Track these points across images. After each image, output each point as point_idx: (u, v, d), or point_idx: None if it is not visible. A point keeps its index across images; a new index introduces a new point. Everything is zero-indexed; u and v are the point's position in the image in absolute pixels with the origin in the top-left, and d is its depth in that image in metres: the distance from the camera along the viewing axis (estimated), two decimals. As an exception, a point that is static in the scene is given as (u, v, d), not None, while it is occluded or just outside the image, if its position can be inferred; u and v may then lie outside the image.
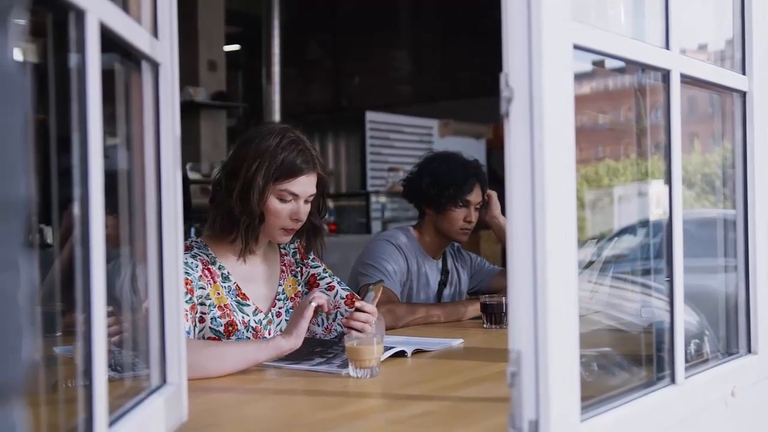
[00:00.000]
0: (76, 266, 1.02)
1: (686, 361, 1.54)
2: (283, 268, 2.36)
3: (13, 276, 0.57)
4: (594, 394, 1.34)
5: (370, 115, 8.27)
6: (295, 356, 2.02)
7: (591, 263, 2.18)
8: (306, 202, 2.21)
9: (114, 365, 1.31)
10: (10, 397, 0.57)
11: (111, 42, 1.11)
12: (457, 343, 2.34)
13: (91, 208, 0.99)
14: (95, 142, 1.00)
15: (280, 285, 2.33)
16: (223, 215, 2.18)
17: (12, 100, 0.57)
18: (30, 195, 0.61)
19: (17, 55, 0.59)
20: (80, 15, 0.97)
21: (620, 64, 1.56)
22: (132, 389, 1.34)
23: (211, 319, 2.14)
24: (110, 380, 1.07)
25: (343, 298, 2.34)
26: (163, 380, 1.36)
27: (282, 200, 2.17)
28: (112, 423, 1.09)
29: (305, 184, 2.19)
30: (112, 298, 1.17)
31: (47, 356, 1.51)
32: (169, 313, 1.36)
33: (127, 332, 1.43)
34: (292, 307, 2.32)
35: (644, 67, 1.55)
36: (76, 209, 0.99)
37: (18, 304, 0.58)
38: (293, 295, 2.35)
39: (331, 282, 2.39)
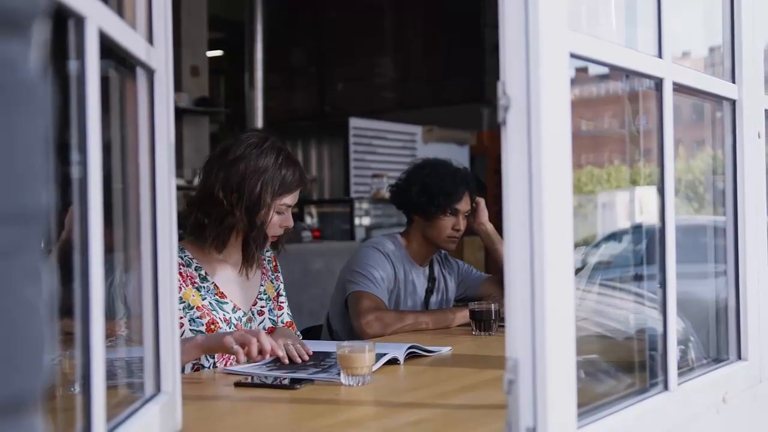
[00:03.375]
0: (67, 273, 1.01)
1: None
2: (264, 270, 2.44)
3: (35, 284, 0.57)
4: (589, 401, 1.34)
5: (354, 122, 8.26)
6: (290, 367, 2.02)
7: (578, 270, 2.20)
8: (292, 209, 2.35)
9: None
10: (32, 407, 0.57)
11: (106, 48, 1.10)
12: (446, 350, 2.33)
13: (89, 215, 0.98)
14: (94, 149, 0.99)
15: (261, 285, 2.41)
16: (227, 230, 2.24)
17: (35, 109, 0.57)
18: (50, 205, 0.61)
19: (39, 63, 0.59)
20: (80, 22, 0.97)
21: (603, 70, 1.57)
22: (126, 398, 1.33)
23: (191, 320, 2.18)
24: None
25: (283, 323, 2.42)
26: (158, 389, 1.35)
27: (279, 213, 2.28)
28: (108, 432, 1.08)
29: (297, 195, 2.33)
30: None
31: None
32: (163, 321, 1.35)
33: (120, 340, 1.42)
34: (272, 308, 2.41)
35: (638, 76, 1.56)
36: (75, 216, 0.98)
37: (40, 313, 0.57)
38: (274, 297, 2.45)
39: (284, 302, 2.50)
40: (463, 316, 2.81)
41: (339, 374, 1.87)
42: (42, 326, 0.58)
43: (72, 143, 1.00)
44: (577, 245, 2.22)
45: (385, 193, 6.99)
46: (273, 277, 2.47)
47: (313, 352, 2.20)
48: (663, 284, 1.53)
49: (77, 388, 1.06)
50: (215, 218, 2.22)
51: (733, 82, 1.82)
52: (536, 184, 1.15)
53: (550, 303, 1.15)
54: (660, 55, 1.51)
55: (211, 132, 8.19)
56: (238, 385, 1.86)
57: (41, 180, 0.58)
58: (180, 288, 2.18)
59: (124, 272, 1.42)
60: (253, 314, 2.35)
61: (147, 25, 1.33)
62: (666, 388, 1.51)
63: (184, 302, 2.18)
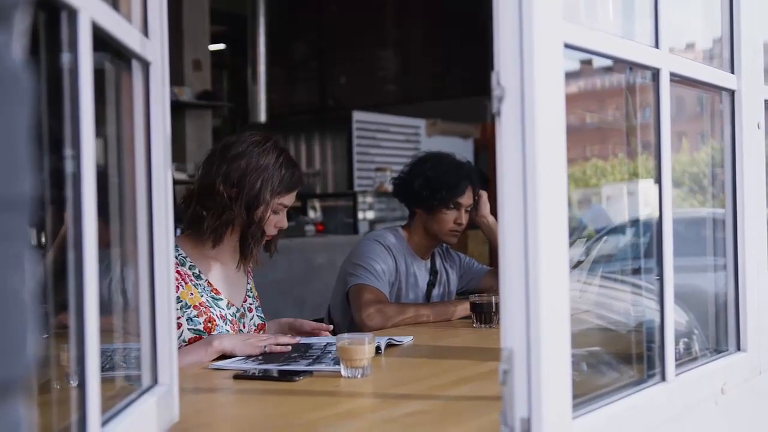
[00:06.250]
0: (65, 267, 1.01)
1: (675, 359, 1.55)
2: (249, 269, 2.47)
3: (18, 272, 0.58)
4: (585, 392, 1.34)
5: (357, 115, 8.26)
6: (279, 360, 2.01)
7: (579, 263, 2.19)
8: (288, 210, 2.37)
9: (104, 365, 1.30)
10: (15, 394, 0.57)
11: (101, 41, 1.10)
12: (408, 339, 2.36)
13: (83, 209, 0.99)
14: (88, 143, 0.99)
15: (248, 283, 2.45)
16: (225, 224, 2.26)
17: (17, 99, 0.57)
18: (34, 193, 0.61)
19: (21, 53, 0.59)
20: (73, 14, 0.97)
21: (607, 62, 1.57)
22: (123, 389, 1.33)
23: (188, 319, 2.20)
24: (101, 380, 1.06)
25: (255, 326, 2.43)
26: (155, 381, 1.35)
27: (274, 212, 2.30)
28: (104, 423, 1.08)
29: (294, 197, 2.35)
30: (101, 300, 1.16)
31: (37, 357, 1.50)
32: (160, 314, 1.36)
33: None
34: (258, 306, 2.45)
35: (634, 66, 1.56)
36: (69, 211, 0.99)
37: (23, 301, 0.58)
38: (257, 295, 2.49)
39: (258, 304, 2.49)
40: (463, 308, 2.81)
41: (334, 364, 1.87)
42: (26, 314, 0.58)
43: (66, 137, 1.00)
44: (581, 238, 2.22)
45: (389, 187, 7.00)
46: (252, 277, 2.52)
47: (297, 343, 2.21)
48: (660, 275, 1.53)
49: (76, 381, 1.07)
50: (214, 212, 2.24)
51: (732, 72, 1.82)
52: (530, 175, 1.15)
53: (544, 293, 1.15)
54: (657, 46, 1.51)
55: (214, 126, 8.19)
56: (236, 377, 1.87)
57: (24, 169, 0.59)
58: (178, 287, 2.19)
59: (123, 267, 1.43)
60: (244, 310, 2.38)
61: (142, 17, 1.33)
62: (663, 379, 1.51)
63: (182, 301, 2.19)
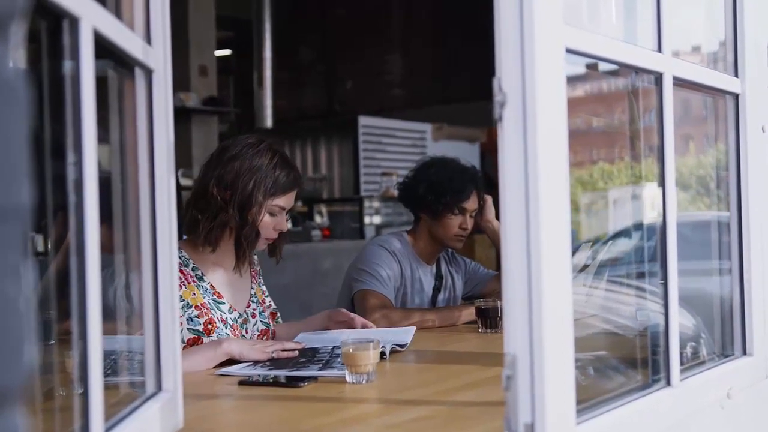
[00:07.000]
0: (71, 275, 1.01)
1: (682, 363, 1.54)
2: (253, 274, 2.48)
3: (15, 281, 0.58)
4: (590, 397, 1.34)
5: (363, 120, 8.26)
6: (287, 366, 2.01)
7: (586, 267, 2.19)
8: (287, 213, 2.36)
9: (108, 371, 1.30)
10: (12, 402, 0.57)
11: (104, 48, 1.11)
12: (411, 332, 2.39)
13: (86, 215, 0.99)
14: (90, 150, 0.99)
15: (252, 288, 2.44)
16: (219, 226, 2.26)
17: (14, 107, 0.57)
18: (31, 202, 0.61)
19: (18, 62, 0.60)
20: (74, 22, 0.97)
21: (613, 66, 1.57)
22: (127, 396, 1.33)
23: (188, 319, 2.21)
24: (105, 387, 1.06)
25: (258, 332, 2.42)
26: (159, 387, 1.36)
27: (271, 214, 2.30)
28: (107, 430, 1.08)
29: (292, 198, 2.34)
30: (106, 307, 1.17)
31: (42, 364, 1.51)
32: (164, 320, 1.36)
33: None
34: (262, 311, 2.44)
35: (637, 70, 1.55)
36: (71, 218, 0.99)
37: (19, 309, 0.58)
38: (262, 300, 2.47)
39: (262, 309, 2.47)
40: (468, 313, 2.81)
41: (341, 370, 1.87)
42: (22, 323, 0.58)
43: (68, 144, 1.00)
44: (588, 242, 2.21)
45: (395, 191, 7.00)
46: (260, 281, 2.52)
47: (304, 349, 2.20)
48: (665, 279, 1.52)
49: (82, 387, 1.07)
50: (208, 215, 2.25)
51: (737, 75, 1.81)
52: (532, 180, 1.15)
53: (547, 298, 1.15)
54: (659, 50, 1.51)
55: (220, 132, 8.18)
56: (241, 383, 1.87)
57: (22, 178, 0.59)
58: (180, 286, 2.20)
59: (128, 274, 1.43)
60: (247, 316, 2.38)
61: (145, 24, 1.34)
62: (668, 383, 1.51)
63: (183, 301, 2.21)
